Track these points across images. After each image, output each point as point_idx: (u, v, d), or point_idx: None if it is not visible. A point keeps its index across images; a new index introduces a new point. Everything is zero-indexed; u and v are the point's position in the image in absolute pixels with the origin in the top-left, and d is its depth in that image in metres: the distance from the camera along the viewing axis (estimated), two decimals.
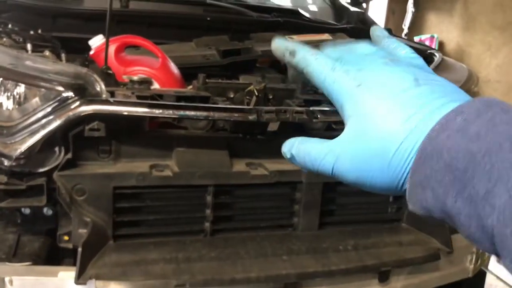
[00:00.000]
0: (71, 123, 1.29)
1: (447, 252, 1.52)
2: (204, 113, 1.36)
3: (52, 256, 1.43)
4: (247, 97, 1.66)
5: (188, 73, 1.85)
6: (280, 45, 0.59)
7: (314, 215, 1.53)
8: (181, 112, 1.34)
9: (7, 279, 1.25)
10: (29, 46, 1.76)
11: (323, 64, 0.54)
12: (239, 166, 1.47)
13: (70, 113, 1.28)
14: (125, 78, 1.62)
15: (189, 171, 1.40)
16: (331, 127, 1.69)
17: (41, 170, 1.32)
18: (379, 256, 1.47)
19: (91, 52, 1.78)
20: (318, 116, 1.42)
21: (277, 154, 1.59)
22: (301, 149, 0.55)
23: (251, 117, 1.37)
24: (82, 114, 1.28)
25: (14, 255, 1.35)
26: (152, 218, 1.42)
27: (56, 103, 1.31)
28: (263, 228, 1.52)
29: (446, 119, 0.43)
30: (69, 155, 1.32)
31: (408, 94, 0.47)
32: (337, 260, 1.42)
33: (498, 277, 3.40)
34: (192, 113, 1.35)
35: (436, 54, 2.21)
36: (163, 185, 1.39)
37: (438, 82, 0.49)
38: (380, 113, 0.48)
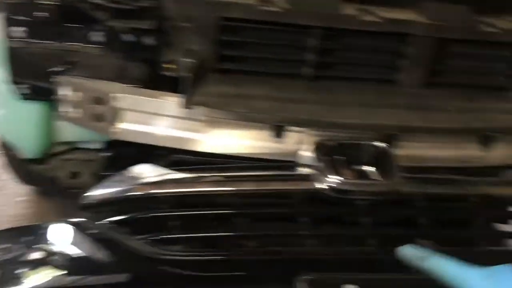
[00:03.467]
0: None
1: None
2: None
3: (152, 85, 1.46)
4: None
5: None
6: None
7: (423, 72, 1.44)
8: None
9: (113, 95, 1.30)
10: None
11: None
12: (350, 10, 1.37)
13: None
14: None
15: (299, 9, 1.32)
16: None
17: None
18: (485, 120, 1.40)
19: None
20: None
21: (391, 1, 1.48)
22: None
23: None
24: None
25: (118, 76, 1.39)
26: (256, 56, 1.39)
27: None
28: (367, 80, 1.46)
29: None
30: None
31: None
32: (441, 119, 1.37)
33: None
34: None
35: None
36: (270, 21, 1.33)
37: None
38: None
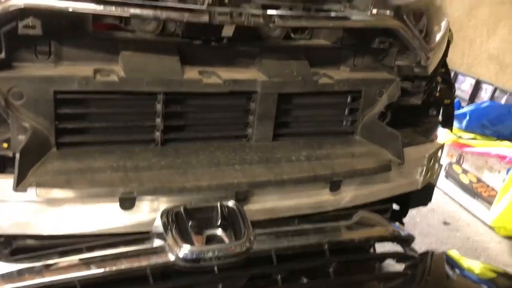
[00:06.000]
0: (1, 19, 1.16)
1: (398, 163, 1.53)
2: (151, 12, 1.24)
3: None
4: None
5: None
6: None
7: (269, 126, 1.50)
8: (131, 10, 1.22)
9: None
10: None
11: None
12: (191, 73, 1.40)
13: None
14: None
15: (136, 77, 1.31)
16: (290, 36, 1.63)
17: None
18: (331, 166, 1.47)
19: None
20: (275, 20, 1.34)
21: (231, 62, 1.53)
22: None
23: (203, 18, 1.27)
24: (12, 8, 1.14)
25: None
26: (97, 126, 1.35)
27: None
28: (216, 139, 1.48)
29: None
30: (2, 55, 1.20)
31: None
32: (289, 170, 1.41)
33: (445, 193, 3.57)
34: (137, 11, 1.23)
35: None
36: (109, 91, 1.31)
37: None
38: None
